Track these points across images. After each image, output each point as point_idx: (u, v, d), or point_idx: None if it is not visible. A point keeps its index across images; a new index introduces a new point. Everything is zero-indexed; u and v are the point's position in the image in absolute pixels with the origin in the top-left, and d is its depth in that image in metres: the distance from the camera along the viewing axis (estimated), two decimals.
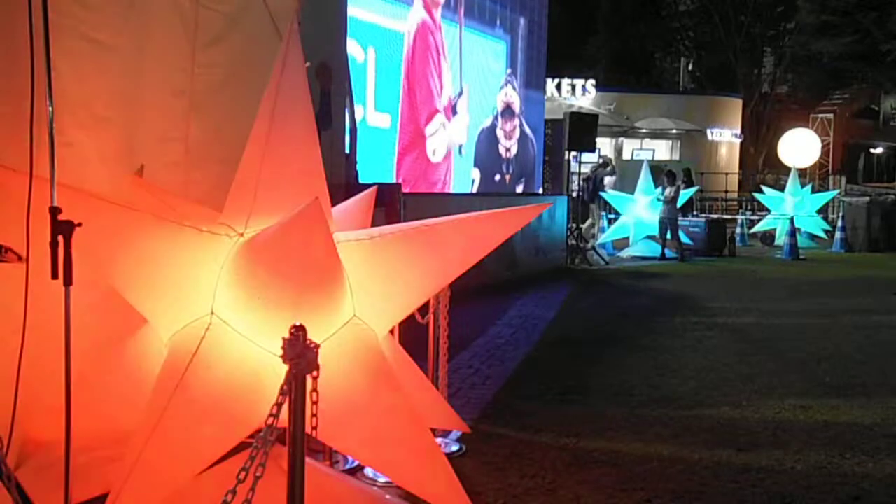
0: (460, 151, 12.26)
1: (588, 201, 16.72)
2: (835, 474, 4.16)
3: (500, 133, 13.46)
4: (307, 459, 2.50)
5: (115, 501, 2.45)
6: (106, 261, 2.78)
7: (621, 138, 31.12)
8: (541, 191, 14.19)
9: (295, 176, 2.84)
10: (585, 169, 17.33)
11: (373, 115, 10.31)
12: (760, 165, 35.01)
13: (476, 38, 12.66)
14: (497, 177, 13.39)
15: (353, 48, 8.57)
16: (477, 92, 12.78)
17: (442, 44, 11.63)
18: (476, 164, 12.81)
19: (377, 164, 9.82)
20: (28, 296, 2.59)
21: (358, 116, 8.44)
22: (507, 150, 13.68)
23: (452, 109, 11.92)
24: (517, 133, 13.89)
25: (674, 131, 31.69)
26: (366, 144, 8.44)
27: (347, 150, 7.61)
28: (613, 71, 34.74)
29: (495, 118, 13.31)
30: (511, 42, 13.76)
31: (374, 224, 3.49)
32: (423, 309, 4.25)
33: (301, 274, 2.66)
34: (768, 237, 18.33)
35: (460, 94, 12.06)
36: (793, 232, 15.84)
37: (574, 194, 16.06)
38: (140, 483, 2.48)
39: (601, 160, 18.48)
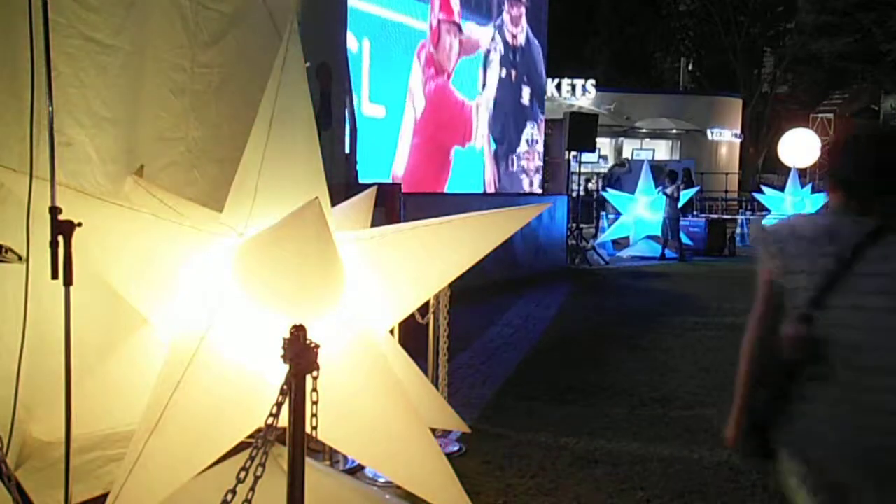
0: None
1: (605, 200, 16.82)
2: None
3: (506, 17, 13.08)
4: (307, 459, 2.50)
5: (115, 501, 2.45)
6: (105, 261, 2.78)
7: (621, 138, 31.12)
8: (541, 191, 14.18)
9: (295, 176, 2.84)
10: (585, 169, 17.33)
11: (367, 106, 10.30)
12: (760, 165, 35.00)
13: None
14: (503, 72, 13.08)
15: (348, 39, 8.59)
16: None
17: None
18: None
19: (373, 155, 9.80)
20: (28, 295, 2.59)
21: None
22: (514, 37, 13.32)
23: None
24: (523, 20, 13.56)
25: (674, 131, 31.69)
26: (361, 135, 8.44)
27: (347, 150, 7.61)
28: (613, 71, 34.72)
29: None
30: None
31: (374, 224, 3.49)
32: (423, 309, 4.25)
33: (301, 274, 2.66)
34: None
35: None
36: None
37: (574, 194, 16.07)
38: (140, 483, 2.48)
39: (618, 160, 18.53)
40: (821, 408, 2.05)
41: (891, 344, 1.97)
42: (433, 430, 3.32)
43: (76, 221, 2.38)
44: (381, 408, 2.85)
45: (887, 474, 1.99)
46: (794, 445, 2.12)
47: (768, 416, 2.14)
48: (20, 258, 2.51)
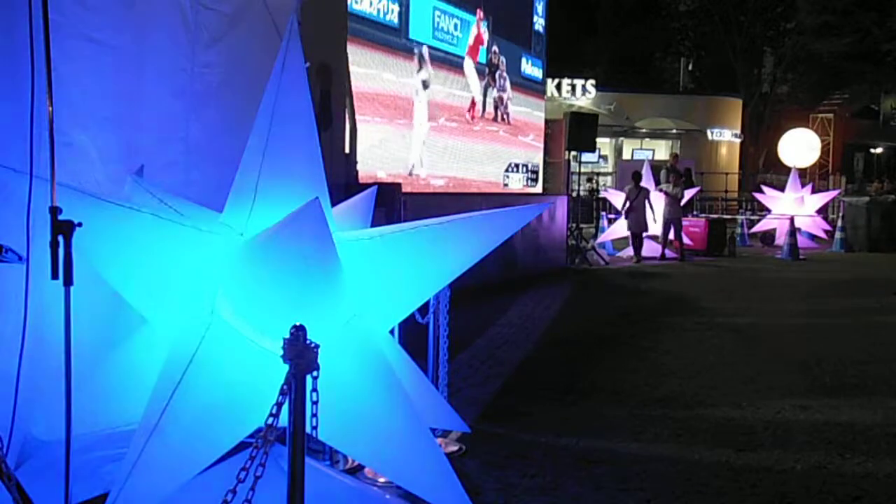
0: None
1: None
2: (835, 474, 4.16)
3: None
4: (307, 459, 2.51)
5: (115, 501, 2.45)
6: (105, 261, 2.78)
7: (621, 138, 31.14)
8: (541, 191, 14.18)
9: (295, 176, 2.84)
10: (585, 169, 17.31)
11: None
12: (760, 165, 35.00)
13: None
14: None
15: None
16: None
17: None
18: None
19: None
20: (28, 295, 2.59)
21: None
22: None
23: None
24: None
25: (674, 131, 31.70)
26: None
27: (347, 150, 7.61)
28: (613, 71, 34.73)
29: None
30: None
31: (374, 224, 3.49)
32: (423, 309, 4.25)
33: (301, 274, 2.66)
34: (768, 237, 18.32)
35: None
36: (793, 232, 15.83)
37: (574, 194, 16.07)
38: (140, 483, 2.48)
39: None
40: (630, 216, 14.54)
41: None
42: (433, 430, 3.33)
43: (76, 221, 2.38)
44: (381, 408, 2.85)
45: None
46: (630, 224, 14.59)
47: (628, 214, 14.47)
48: (20, 258, 2.51)
